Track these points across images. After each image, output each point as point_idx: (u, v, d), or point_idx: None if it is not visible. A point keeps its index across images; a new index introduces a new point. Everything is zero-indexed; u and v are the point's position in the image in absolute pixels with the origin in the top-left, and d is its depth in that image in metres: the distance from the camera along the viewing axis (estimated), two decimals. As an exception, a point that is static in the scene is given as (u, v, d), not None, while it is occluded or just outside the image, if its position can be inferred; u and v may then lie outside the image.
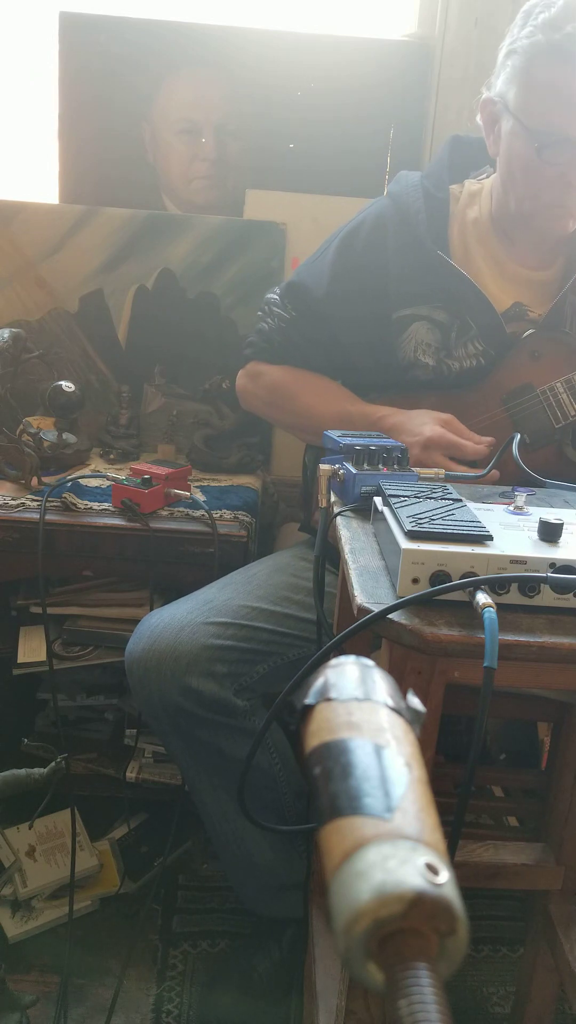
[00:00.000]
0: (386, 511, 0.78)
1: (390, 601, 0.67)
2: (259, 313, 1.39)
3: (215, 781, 1.20)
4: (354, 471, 0.89)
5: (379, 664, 0.43)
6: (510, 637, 0.64)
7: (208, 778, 1.20)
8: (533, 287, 1.26)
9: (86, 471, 1.55)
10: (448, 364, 1.25)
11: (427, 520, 0.72)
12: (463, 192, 1.28)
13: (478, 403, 1.23)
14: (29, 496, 1.41)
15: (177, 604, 1.21)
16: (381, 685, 0.41)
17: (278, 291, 1.38)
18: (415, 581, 0.67)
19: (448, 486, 0.86)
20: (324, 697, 0.40)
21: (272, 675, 1.18)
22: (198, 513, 1.39)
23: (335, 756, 0.36)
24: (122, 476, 1.43)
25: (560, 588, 0.67)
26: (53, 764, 1.20)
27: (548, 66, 1.07)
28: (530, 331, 1.24)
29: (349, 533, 0.84)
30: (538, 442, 1.20)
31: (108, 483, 1.44)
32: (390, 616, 0.65)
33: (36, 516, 1.33)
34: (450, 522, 0.72)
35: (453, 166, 1.29)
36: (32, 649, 1.46)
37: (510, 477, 1.07)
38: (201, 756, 1.18)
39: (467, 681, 0.68)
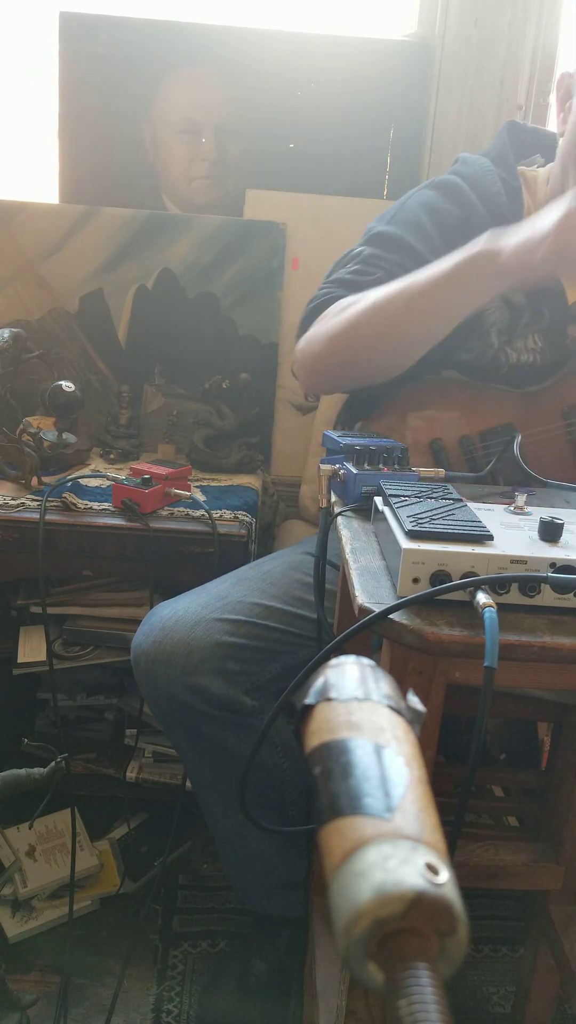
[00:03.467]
0: (386, 511, 0.78)
1: (391, 601, 0.67)
2: (334, 276, 1.18)
3: (217, 775, 1.20)
4: (355, 471, 0.89)
5: (380, 664, 0.43)
6: (511, 637, 0.64)
7: (211, 772, 1.20)
8: None
9: (86, 471, 1.55)
10: (506, 352, 1.21)
11: (427, 520, 0.72)
12: (523, 179, 1.23)
13: (535, 417, 1.16)
14: (29, 496, 1.41)
15: (188, 597, 1.20)
16: (381, 685, 0.41)
17: (359, 247, 1.19)
18: (416, 581, 0.67)
19: (448, 486, 0.86)
20: (324, 697, 0.40)
21: (283, 675, 1.18)
22: (198, 513, 1.39)
23: (335, 756, 0.36)
24: (122, 476, 1.43)
25: (561, 588, 0.67)
26: (53, 764, 1.20)
27: None
28: None
29: (350, 533, 0.84)
30: None
31: (108, 483, 1.44)
32: (391, 616, 0.65)
33: (36, 516, 1.33)
34: (450, 522, 0.72)
35: (514, 151, 1.24)
36: (32, 649, 1.46)
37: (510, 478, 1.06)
38: (205, 751, 1.17)
39: (468, 681, 0.68)
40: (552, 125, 1.75)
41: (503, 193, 1.18)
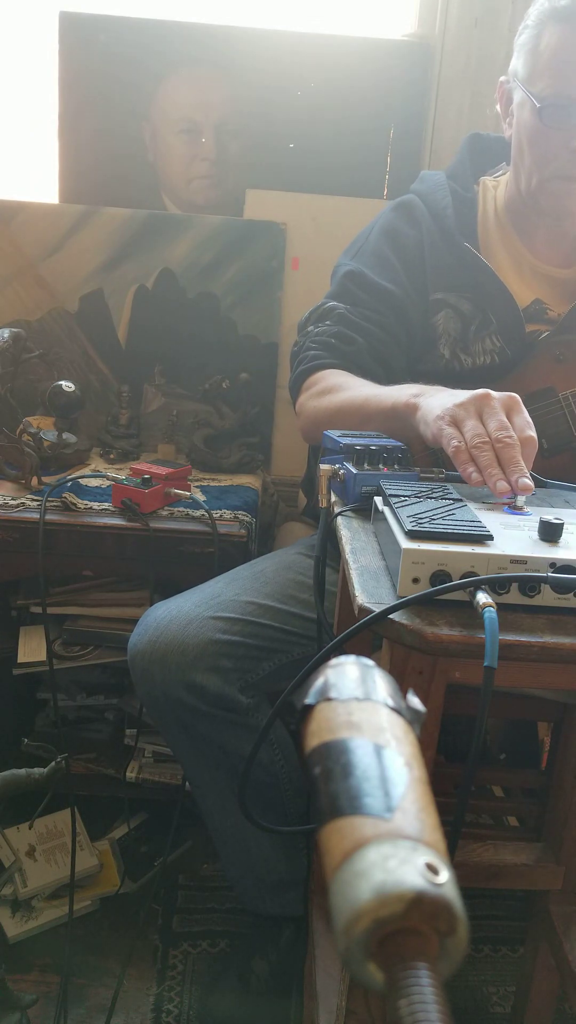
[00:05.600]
0: (386, 511, 0.78)
1: (391, 601, 0.67)
2: (310, 328, 1.28)
3: (216, 775, 1.20)
4: (354, 471, 0.89)
5: (380, 664, 0.43)
6: (511, 637, 0.64)
7: (209, 772, 1.20)
8: (555, 285, 1.27)
9: (86, 471, 1.55)
10: (461, 359, 1.24)
11: (427, 520, 0.72)
12: (481, 188, 1.29)
13: None
14: (29, 496, 1.41)
15: (183, 597, 1.20)
16: (381, 685, 0.41)
17: (330, 301, 1.28)
18: (415, 581, 0.67)
19: (448, 486, 0.86)
20: (324, 697, 0.40)
21: (277, 673, 1.18)
22: (198, 513, 1.39)
23: (335, 756, 0.36)
24: (122, 476, 1.43)
25: (560, 588, 0.67)
26: (53, 764, 1.20)
27: (553, 31, 1.11)
28: (546, 333, 1.23)
29: (350, 533, 0.84)
30: (555, 448, 1.18)
31: (108, 483, 1.44)
32: (391, 616, 0.65)
33: (36, 516, 1.33)
34: (450, 522, 0.72)
35: (474, 163, 1.30)
36: (32, 649, 1.46)
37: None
38: (202, 750, 1.18)
39: (468, 681, 0.68)
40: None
41: (451, 207, 1.25)
